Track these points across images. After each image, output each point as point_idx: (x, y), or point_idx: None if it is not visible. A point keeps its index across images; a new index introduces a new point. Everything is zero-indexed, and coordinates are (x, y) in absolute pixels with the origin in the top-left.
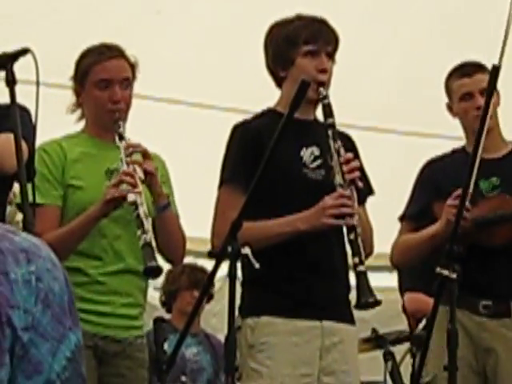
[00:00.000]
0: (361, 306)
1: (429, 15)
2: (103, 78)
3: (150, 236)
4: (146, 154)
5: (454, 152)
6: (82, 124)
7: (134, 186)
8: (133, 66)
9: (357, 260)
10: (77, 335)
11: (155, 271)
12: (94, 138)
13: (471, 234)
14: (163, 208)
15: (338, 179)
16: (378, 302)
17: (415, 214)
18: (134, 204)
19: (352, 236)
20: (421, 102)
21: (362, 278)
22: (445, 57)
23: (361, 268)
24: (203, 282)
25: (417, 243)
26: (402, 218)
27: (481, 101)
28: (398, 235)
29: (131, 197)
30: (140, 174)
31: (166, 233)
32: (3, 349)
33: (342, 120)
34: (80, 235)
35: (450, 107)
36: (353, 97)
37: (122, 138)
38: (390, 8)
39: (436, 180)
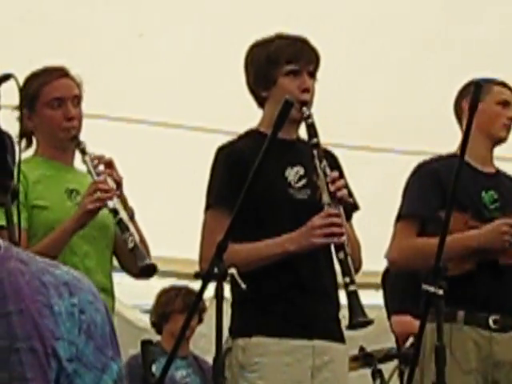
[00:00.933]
0: (353, 325)
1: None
2: (55, 96)
3: (137, 237)
4: (111, 164)
5: (450, 157)
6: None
7: (110, 193)
8: (79, 86)
9: (348, 280)
10: (118, 364)
11: (151, 269)
12: (49, 161)
13: (483, 252)
14: (130, 218)
15: (326, 198)
16: (369, 322)
17: (425, 215)
18: (114, 210)
19: (341, 255)
20: (409, 120)
21: (353, 297)
22: (433, 75)
23: (352, 288)
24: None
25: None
26: (403, 217)
27: None
28: (400, 235)
29: (110, 203)
30: (111, 183)
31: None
32: (49, 380)
33: (328, 139)
34: (56, 251)
35: (461, 107)
36: (339, 115)
37: (84, 152)
38: (379, 26)
39: (441, 186)
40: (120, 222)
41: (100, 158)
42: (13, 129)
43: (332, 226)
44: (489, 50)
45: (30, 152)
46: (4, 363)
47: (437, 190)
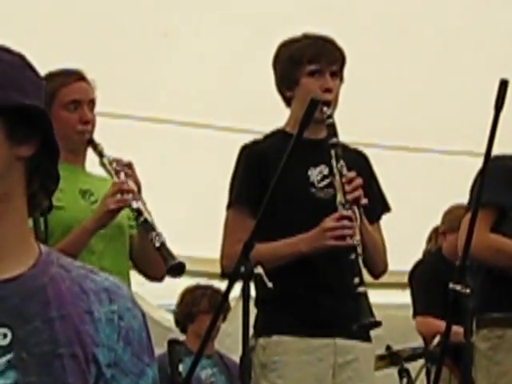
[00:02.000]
0: (361, 326)
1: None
2: (73, 99)
3: (163, 237)
4: (131, 167)
5: None
6: None
7: (134, 193)
8: (93, 90)
9: (357, 280)
10: (153, 370)
11: (181, 268)
12: (62, 163)
13: None
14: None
15: (340, 198)
16: (377, 324)
17: (506, 206)
18: (138, 210)
19: (353, 256)
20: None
21: (362, 299)
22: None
23: (361, 289)
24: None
25: None
26: (484, 205)
27: None
28: (479, 225)
29: (134, 204)
30: (132, 184)
31: (149, 248)
32: None
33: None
34: (77, 250)
35: None
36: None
37: (102, 155)
38: (410, 24)
39: None
40: (145, 222)
41: (118, 161)
42: None
43: (343, 228)
44: None
45: None
46: (48, 368)
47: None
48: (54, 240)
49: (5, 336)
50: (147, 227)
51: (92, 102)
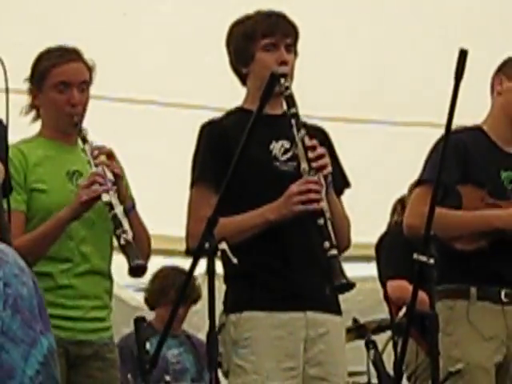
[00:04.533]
0: (334, 289)
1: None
2: (62, 80)
3: (130, 234)
4: (111, 156)
5: (471, 130)
6: (37, 126)
7: (106, 185)
8: (90, 70)
9: (327, 244)
10: (49, 339)
11: (142, 269)
12: (51, 141)
13: (502, 231)
14: (130, 210)
15: (304, 166)
16: (351, 285)
17: (446, 183)
18: (109, 204)
19: (321, 221)
20: (395, 90)
21: (334, 261)
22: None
23: (332, 252)
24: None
25: (462, 223)
26: (423, 182)
27: None
28: (419, 200)
29: (106, 197)
30: (109, 175)
31: (134, 233)
32: None
33: (314, 112)
34: (51, 238)
35: (492, 81)
36: (325, 88)
37: (85, 140)
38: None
39: (465, 160)
40: (114, 218)
41: (100, 149)
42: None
43: (309, 192)
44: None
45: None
46: None
47: (459, 163)
48: (32, 225)
49: None
50: (115, 222)
51: (85, 83)
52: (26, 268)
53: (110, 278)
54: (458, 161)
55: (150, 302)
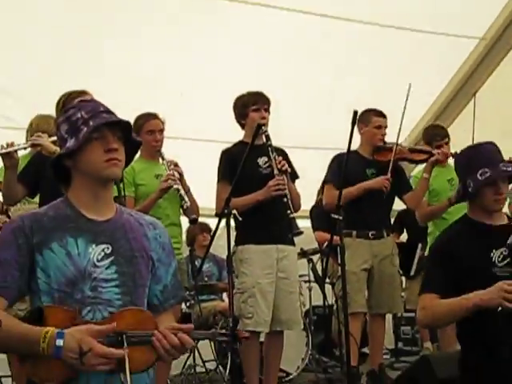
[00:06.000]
0: (292, 234)
1: None
2: (150, 129)
3: (188, 204)
4: (176, 165)
5: (352, 152)
6: None
7: (175, 180)
8: (163, 123)
9: (289, 211)
10: (175, 263)
11: (195, 220)
12: (146, 160)
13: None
14: (187, 191)
15: (275, 171)
16: (300, 232)
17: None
18: (177, 189)
19: (285, 199)
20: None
21: (292, 220)
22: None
23: (291, 215)
24: (208, 228)
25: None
26: (328, 182)
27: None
28: (328, 189)
29: (175, 186)
30: (176, 174)
31: (190, 203)
32: (149, 270)
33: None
34: (149, 208)
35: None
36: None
37: (163, 158)
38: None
39: (340, 166)
40: (180, 196)
41: (171, 161)
42: None
43: (279, 184)
44: None
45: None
46: (130, 263)
47: (339, 167)
48: (139, 203)
49: (107, 248)
50: (181, 198)
51: (161, 130)
52: (165, 229)
53: (180, 226)
54: (339, 165)
55: (189, 243)
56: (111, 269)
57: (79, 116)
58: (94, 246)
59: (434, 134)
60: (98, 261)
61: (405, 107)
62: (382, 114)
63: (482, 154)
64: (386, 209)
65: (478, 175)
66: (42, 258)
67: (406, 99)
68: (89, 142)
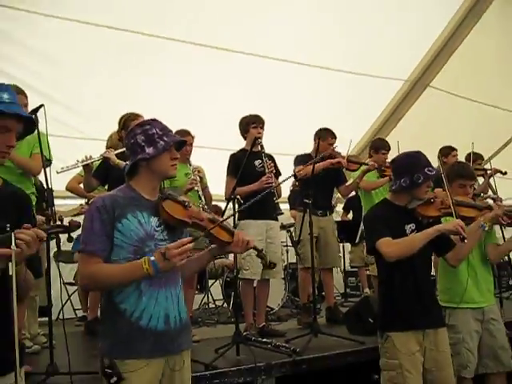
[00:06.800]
0: (276, 214)
1: None
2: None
3: (204, 202)
4: (199, 170)
5: (306, 155)
6: None
7: (196, 183)
8: (193, 137)
9: (275, 199)
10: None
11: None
12: (179, 163)
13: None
14: (204, 188)
15: (266, 171)
16: (282, 213)
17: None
18: (197, 191)
19: (273, 190)
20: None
21: (277, 205)
22: None
23: (276, 201)
24: (220, 209)
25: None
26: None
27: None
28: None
29: (196, 188)
30: (197, 178)
31: (205, 199)
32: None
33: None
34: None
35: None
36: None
37: (190, 164)
38: None
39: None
40: (199, 195)
41: (195, 168)
42: None
43: (269, 179)
44: None
45: None
46: (173, 229)
47: (306, 161)
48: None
49: (159, 219)
50: (199, 197)
51: (191, 144)
52: None
53: None
54: (305, 160)
55: None
56: (164, 233)
57: (154, 131)
58: (152, 217)
59: (382, 144)
60: (156, 227)
61: (348, 151)
62: (334, 136)
63: (424, 157)
64: (329, 196)
65: (427, 171)
66: (121, 225)
67: (348, 150)
68: (163, 151)
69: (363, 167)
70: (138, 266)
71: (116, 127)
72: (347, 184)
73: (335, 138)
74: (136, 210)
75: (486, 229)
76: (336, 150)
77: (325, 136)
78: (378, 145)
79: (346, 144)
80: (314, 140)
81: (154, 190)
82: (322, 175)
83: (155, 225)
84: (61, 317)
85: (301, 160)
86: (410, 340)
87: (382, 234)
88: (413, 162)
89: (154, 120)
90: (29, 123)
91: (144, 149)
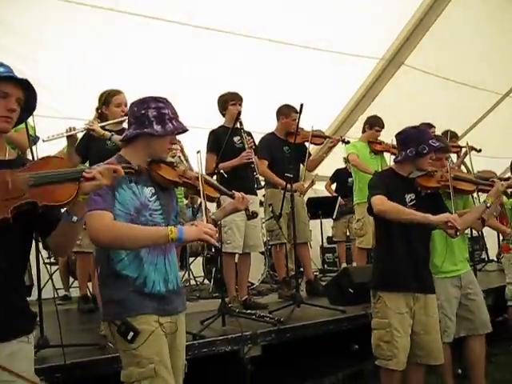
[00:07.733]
0: (257, 188)
1: None
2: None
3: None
4: (179, 142)
5: (270, 134)
6: None
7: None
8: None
9: (255, 173)
10: (177, 206)
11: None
12: None
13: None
14: (187, 160)
15: (246, 146)
16: (262, 187)
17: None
18: (180, 159)
19: (252, 165)
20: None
21: (258, 179)
22: None
23: (256, 176)
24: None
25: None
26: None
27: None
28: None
29: (178, 153)
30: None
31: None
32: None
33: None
34: None
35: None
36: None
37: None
38: None
39: (269, 148)
40: (182, 160)
41: (177, 141)
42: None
43: (248, 155)
44: None
45: None
46: (167, 199)
47: (268, 149)
48: None
49: (153, 189)
50: (182, 161)
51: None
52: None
53: None
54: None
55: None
56: (157, 202)
57: (167, 112)
58: (145, 188)
59: (377, 121)
60: (150, 197)
61: (298, 121)
62: (296, 111)
63: (428, 131)
64: (297, 171)
65: (431, 142)
66: (118, 194)
67: (299, 115)
68: (168, 134)
69: (328, 142)
70: (162, 236)
71: (89, 105)
72: (311, 159)
73: (297, 112)
74: (129, 180)
75: (489, 205)
76: (314, 128)
77: (288, 113)
78: (372, 121)
79: (323, 121)
80: (277, 118)
81: (143, 163)
82: (289, 152)
83: (148, 195)
84: (43, 296)
85: (264, 145)
86: (399, 301)
87: (379, 192)
88: (419, 133)
89: (168, 101)
90: (29, 90)
91: (152, 124)
